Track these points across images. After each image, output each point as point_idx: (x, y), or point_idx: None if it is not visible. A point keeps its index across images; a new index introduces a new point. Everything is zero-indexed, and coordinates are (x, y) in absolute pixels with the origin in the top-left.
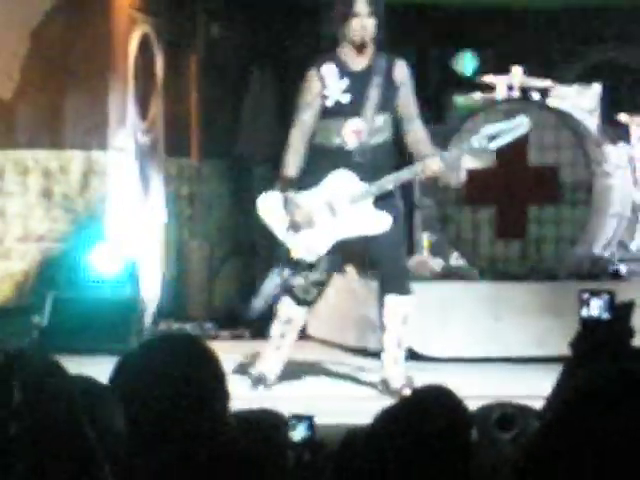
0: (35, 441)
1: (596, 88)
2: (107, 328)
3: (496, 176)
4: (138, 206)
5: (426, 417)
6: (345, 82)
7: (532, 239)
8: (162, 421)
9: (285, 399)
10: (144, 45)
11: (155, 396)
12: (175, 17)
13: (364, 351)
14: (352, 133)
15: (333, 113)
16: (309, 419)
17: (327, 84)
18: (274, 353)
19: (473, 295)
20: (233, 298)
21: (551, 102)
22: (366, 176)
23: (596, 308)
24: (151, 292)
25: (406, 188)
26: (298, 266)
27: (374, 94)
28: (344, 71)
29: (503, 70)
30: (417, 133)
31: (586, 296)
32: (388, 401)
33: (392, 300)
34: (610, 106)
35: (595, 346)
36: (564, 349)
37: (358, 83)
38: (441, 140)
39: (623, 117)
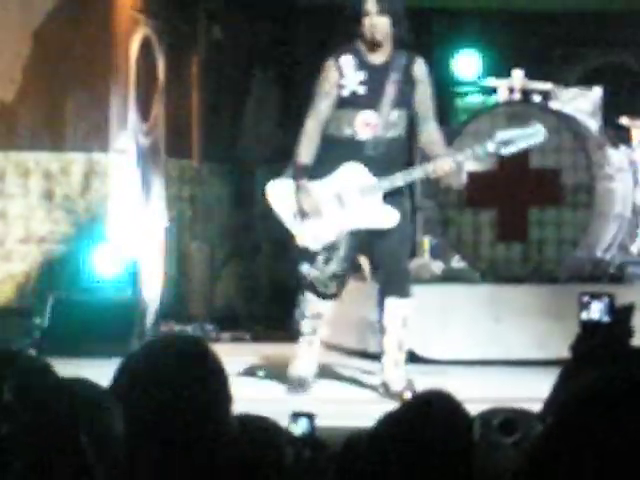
0: (28, 440)
1: (597, 91)
2: (108, 330)
3: (497, 179)
4: (139, 208)
5: (428, 421)
6: (362, 74)
7: (533, 242)
8: (164, 424)
9: (286, 401)
10: (145, 47)
11: (157, 398)
12: (176, 19)
13: (364, 354)
14: (364, 125)
15: (347, 104)
16: (310, 416)
17: (345, 74)
18: (308, 350)
19: (474, 297)
20: (234, 300)
21: (552, 105)
22: (378, 170)
23: (596, 311)
24: (152, 294)
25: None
26: (315, 261)
27: (391, 89)
28: (362, 63)
29: (504, 73)
30: (432, 133)
31: (586, 299)
32: (389, 404)
33: (392, 303)
34: (611, 109)
35: (595, 349)
36: (565, 352)
37: (376, 77)
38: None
39: (624, 120)
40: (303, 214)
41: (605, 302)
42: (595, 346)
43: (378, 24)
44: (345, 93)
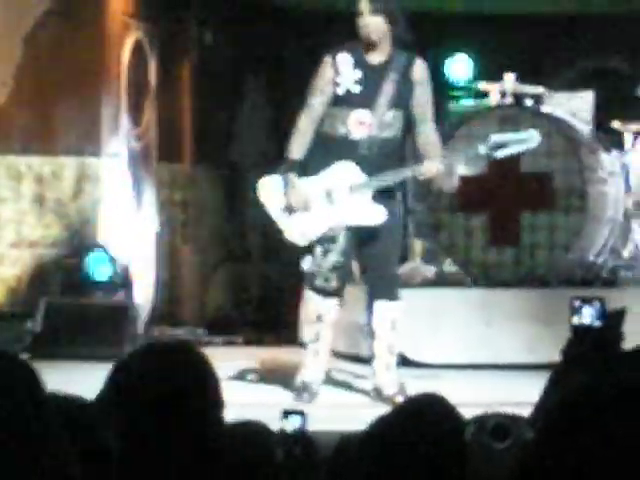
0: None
1: (589, 95)
2: (100, 334)
3: (489, 183)
4: (131, 212)
5: (420, 425)
6: (359, 73)
7: (525, 246)
8: (156, 429)
9: (277, 406)
10: (137, 51)
11: (149, 403)
12: (168, 24)
13: (356, 357)
14: (358, 124)
15: (342, 102)
16: (301, 413)
17: (340, 72)
18: (314, 360)
19: (465, 302)
20: (226, 304)
21: (544, 109)
22: (370, 169)
23: (587, 316)
24: (144, 298)
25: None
26: (314, 254)
27: (388, 89)
28: (360, 62)
29: (496, 76)
30: (428, 136)
31: (577, 303)
32: (381, 408)
33: (381, 306)
34: (603, 113)
35: (585, 353)
36: (556, 356)
37: (373, 76)
38: None
39: (616, 124)
40: (291, 209)
41: (596, 307)
42: (585, 351)
43: (371, 24)
44: (340, 91)
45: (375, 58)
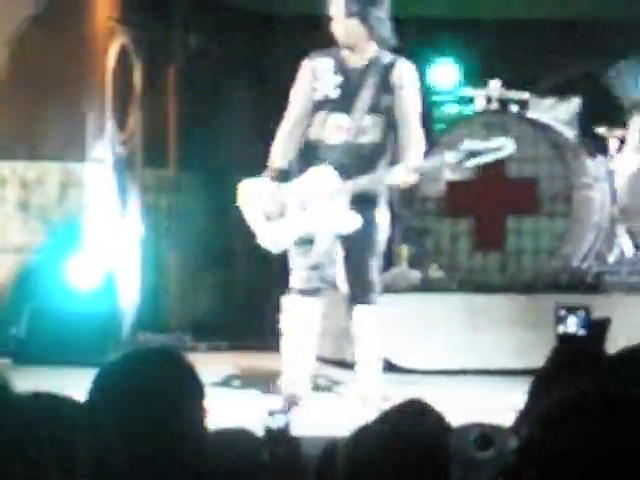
0: None
1: (575, 101)
2: (85, 340)
3: (475, 188)
4: (116, 217)
5: (405, 431)
6: (339, 78)
7: (511, 251)
8: (138, 435)
9: (262, 411)
10: (122, 56)
11: (133, 409)
12: (153, 29)
13: (341, 363)
14: (335, 129)
15: (320, 107)
16: (285, 412)
17: (318, 77)
18: (295, 364)
19: (451, 307)
20: (211, 309)
21: (529, 114)
22: (348, 175)
23: (572, 325)
24: (129, 304)
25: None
26: (292, 258)
27: (366, 93)
28: (340, 67)
29: (482, 83)
30: (409, 140)
31: (563, 313)
32: (365, 414)
33: (357, 311)
34: (588, 119)
35: (569, 362)
36: (543, 361)
37: (352, 80)
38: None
39: (601, 130)
40: (267, 216)
41: (581, 316)
42: (570, 359)
43: (345, 27)
44: (318, 96)
45: (356, 62)
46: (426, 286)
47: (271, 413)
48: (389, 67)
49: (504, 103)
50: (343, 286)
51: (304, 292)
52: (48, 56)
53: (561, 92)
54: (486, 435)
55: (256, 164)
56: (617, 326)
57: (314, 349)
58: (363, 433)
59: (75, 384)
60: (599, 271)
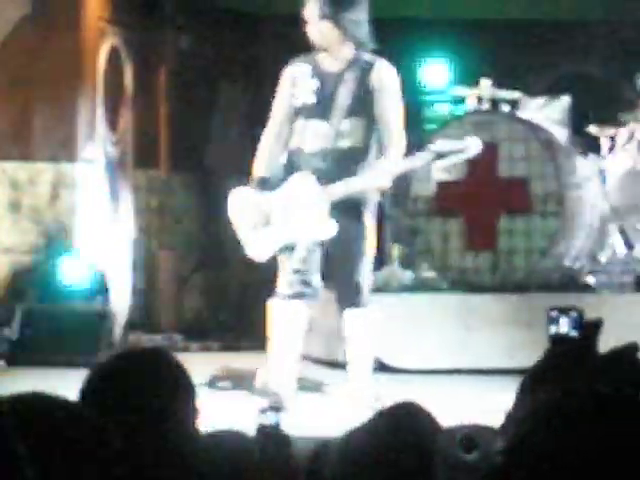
0: None
1: (565, 100)
2: (77, 340)
3: (466, 188)
4: (107, 218)
5: (397, 433)
6: (316, 83)
7: (502, 250)
8: (130, 436)
9: (253, 412)
10: (113, 57)
11: (124, 409)
12: (144, 29)
13: (333, 363)
14: (314, 135)
15: (300, 114)
16: (277, 409)
17: (297, 83)
18: (278, 367)
19: (443, 307)
20: (202, 310)
21: (521, 114)
22: (328, 181)
23: (564, 326)
24: (121, 304)
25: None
26: (277, 262)
27: (343, 97)
28: (316, 72)
29: (473, 82)
30: (390, 141)
31: (555, 314)
32: (357, 414)
33: (347, 314)
34: (579, 118)
35: (558, 363)
36: (535, 361)
37: (328, 85)
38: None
39: (593, 129)
40: (253, 226)
41: (573, 317)
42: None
43: (319, 30)
44: (297, 103)
45: (332, 65)
46: (418, 286)
47: (263, 411)
48: (367, 69)
49: (495, 103)
50: (329, 290)
51: (288, 296)
52: (39, 57)
53: (552, 91)
54: (470, 437)
55: (247, 165)
56: (608, 325)
57: (299, 351)
58: (354, 435)
59: (67, 385)
60: (590, 271)
